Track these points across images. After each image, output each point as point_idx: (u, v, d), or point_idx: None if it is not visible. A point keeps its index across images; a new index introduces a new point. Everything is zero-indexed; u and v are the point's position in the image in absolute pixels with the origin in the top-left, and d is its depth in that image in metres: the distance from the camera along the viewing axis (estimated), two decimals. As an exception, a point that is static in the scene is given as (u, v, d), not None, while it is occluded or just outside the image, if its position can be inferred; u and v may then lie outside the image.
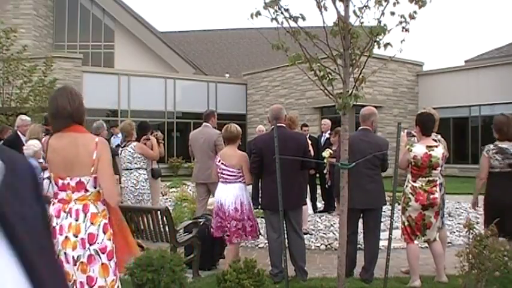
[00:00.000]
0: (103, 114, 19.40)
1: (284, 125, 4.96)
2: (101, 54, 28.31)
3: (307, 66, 3.54)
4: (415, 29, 3.49)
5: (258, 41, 28.71)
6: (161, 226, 4.78)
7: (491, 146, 4.69)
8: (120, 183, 6.38)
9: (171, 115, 21.56)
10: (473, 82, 18.60)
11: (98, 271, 2.66)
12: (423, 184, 4.55)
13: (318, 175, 9.27)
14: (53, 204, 2.73)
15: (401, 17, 3.41)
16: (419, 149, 4.56)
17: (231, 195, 4.77)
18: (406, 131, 5.01)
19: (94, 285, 2.65)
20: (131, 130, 6.53)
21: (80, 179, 2.68)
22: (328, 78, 3.55)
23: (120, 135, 8.77)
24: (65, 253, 2.64)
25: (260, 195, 5.24)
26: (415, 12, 3.41)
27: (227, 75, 25.76)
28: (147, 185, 6.30)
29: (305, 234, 6.99)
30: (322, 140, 9.44)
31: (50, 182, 2.94)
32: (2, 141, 7.71)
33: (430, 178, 4.57)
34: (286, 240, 4.67)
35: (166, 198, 11.08)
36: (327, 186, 8.95)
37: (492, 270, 3.82)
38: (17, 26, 17.10)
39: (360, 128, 5.04)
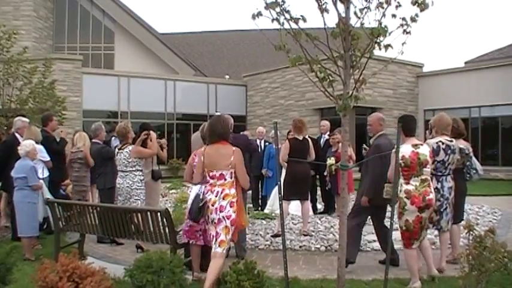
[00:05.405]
0: (103, 115, 19.40)
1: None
2: (101, 56, 28.34)
3: (307, 68, 3.55)
4: (415, 31, 3.49)
5: (258, 43, 28.75)
6: (161, 227, 4.78)
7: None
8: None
9: (171, 116, 21.58)
10: (473, 83, 18.60)
11: (222, 229, 4.23)
12: (417, 185, 4.55)
13: (317, 177, 9.27)
14: (205, 187, 4.35)
15: (402, 19, 3.40)
16: (405, 149, 4.59)
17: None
18: None
19: (218, 238, 4.23)
20: (127, 133, 6.54)
21: (221, 172, 4.33)
22: (328, 80, 3.55)
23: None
24: (208, 216, 4.29)
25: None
26: (416, 15, 3.40)
27: (227, 76, 25.77)
28: (142, 185, 6.35)
29: (305, 235, 7.01)
30: (322, 141, 9.44)
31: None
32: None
33: (423, 177, 4.58)
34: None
35: (166, 200, 11.07)
36: (327, 188, 8.97)
37: (492, 272, 3.81)
38: (17, 27, 17.13)
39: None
